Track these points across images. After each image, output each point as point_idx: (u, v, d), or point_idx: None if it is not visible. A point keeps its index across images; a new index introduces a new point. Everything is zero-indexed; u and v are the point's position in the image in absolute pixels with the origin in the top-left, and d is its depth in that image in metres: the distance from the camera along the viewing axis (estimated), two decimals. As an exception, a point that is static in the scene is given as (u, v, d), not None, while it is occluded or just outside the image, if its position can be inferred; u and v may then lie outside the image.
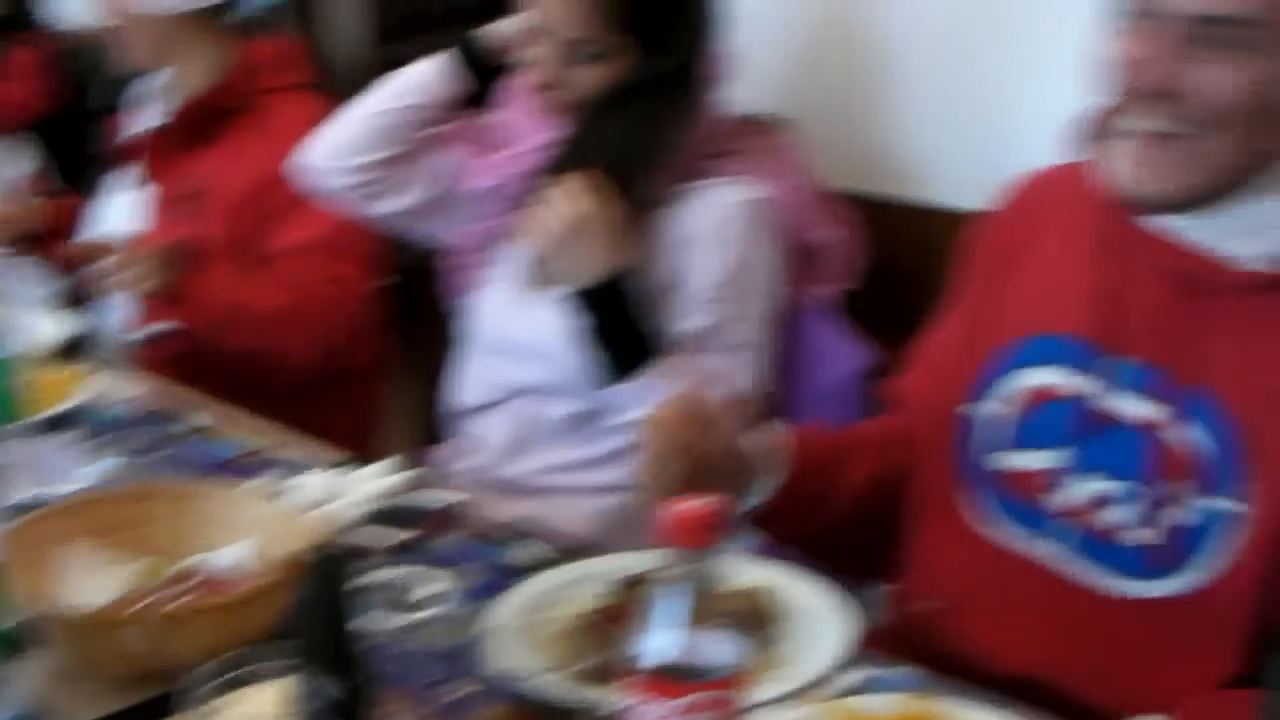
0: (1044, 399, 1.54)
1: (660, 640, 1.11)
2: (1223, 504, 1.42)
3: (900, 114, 2.32)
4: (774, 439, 1.61)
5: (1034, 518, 1.53)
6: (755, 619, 1.44)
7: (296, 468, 1.83)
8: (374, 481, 1.72)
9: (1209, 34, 1.39)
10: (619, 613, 1.41)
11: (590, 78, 2.01)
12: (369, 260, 2.47)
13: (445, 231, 2.24)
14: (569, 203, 1.93)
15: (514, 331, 2.11)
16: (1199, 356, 1.45)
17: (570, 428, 2.08)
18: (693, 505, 1.11)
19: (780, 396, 2.07)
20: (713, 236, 1.98)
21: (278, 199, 2.38)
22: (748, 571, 1.51)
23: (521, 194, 2.06)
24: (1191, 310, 1.46)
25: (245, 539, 1.49)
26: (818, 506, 1.63)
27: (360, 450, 1.98)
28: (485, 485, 2.09)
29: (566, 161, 2.01)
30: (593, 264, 1.93)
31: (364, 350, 2.51)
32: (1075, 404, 1.51)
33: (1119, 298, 1.50)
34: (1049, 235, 1.61)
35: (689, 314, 1.99)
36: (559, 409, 2.08)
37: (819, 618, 1.46)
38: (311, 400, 2.36)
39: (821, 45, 2.39)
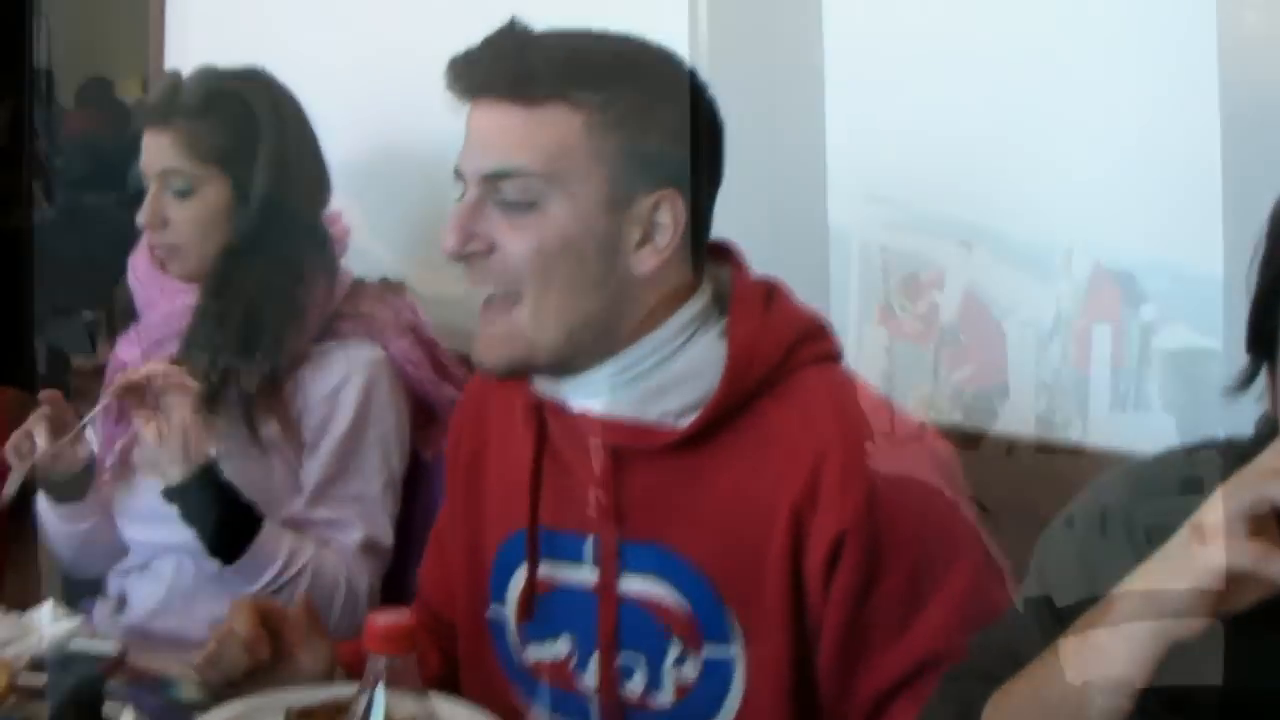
0: (536, 591, 1.61)
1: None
2: (721, 651, 1.51)
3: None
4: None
5: (577, 705, 1.59)
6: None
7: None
8: (45, 627, 1.77)
9: (498, 191, 1.48)
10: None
11: (184, 214, 2.13)
12: None
13: None
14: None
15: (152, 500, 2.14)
16: (655, 518, 1.52)
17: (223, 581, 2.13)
18: (387, 615, 1.24)
19: (401, 549, 2.17)
20: (338, 394, 2.11)
21: None
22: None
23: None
24: (634, 478, 1.53)
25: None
26: None
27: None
28: (140, 639, 2.13)
29: (202, 329, 2.12)
30: (176, 463, 2.00)
31: None
32: (563, 592, 1.59)
33: (568, 479, 1.57)
34: (495, 430, 1.68)
35: (312, 468, 2.11)
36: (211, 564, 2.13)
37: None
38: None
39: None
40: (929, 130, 2.17)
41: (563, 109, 1.47)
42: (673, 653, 1.54)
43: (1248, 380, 1.26)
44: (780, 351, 1.52)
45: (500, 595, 1.66)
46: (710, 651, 1.52)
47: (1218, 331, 1.92)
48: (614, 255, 1.50)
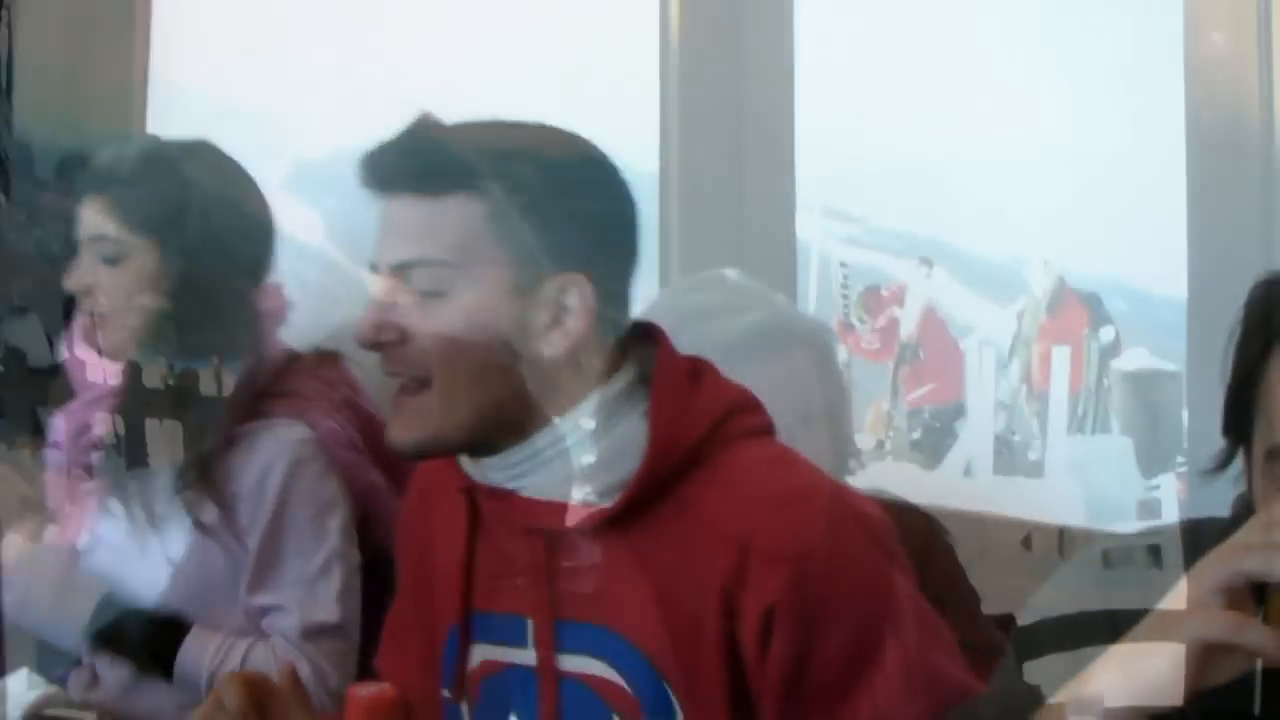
0: (484, 674, 1.62)
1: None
2: None
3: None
4: None
5: None
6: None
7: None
8: (20, 694, 1.76)
9: (409, 281, 1.52)
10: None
11: (110, 281, 2.08)
12: None
13: None
14: None
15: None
16: (590, 598, 1.54)
17: None
18: (368, 688, 1.25)
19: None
20: (264, 480, 2.04)
21: None
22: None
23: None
24: (566, 559, 1.55)
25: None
26: None
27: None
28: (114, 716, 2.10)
29: (129, 412, 2.09)
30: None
31: None
32: (509, 673, 1.59)
33: (505, 562, 1.59)
34: (438, 517, 1.68)
35: (250, 554, 2.04)
36: None
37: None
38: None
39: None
40: (893, 147, 2.19)
41: (466, 199, 1.52)
42: None
43: (1224, 463, 1.29)
44: (703, 428, 1.54)
45: (450, 680, 1.67)
46: None
47: (1178, 355, 1.94)
48: (523, 339, 1.53)
